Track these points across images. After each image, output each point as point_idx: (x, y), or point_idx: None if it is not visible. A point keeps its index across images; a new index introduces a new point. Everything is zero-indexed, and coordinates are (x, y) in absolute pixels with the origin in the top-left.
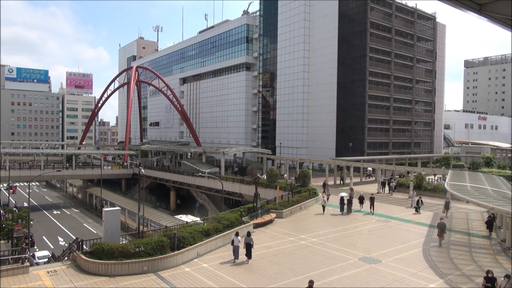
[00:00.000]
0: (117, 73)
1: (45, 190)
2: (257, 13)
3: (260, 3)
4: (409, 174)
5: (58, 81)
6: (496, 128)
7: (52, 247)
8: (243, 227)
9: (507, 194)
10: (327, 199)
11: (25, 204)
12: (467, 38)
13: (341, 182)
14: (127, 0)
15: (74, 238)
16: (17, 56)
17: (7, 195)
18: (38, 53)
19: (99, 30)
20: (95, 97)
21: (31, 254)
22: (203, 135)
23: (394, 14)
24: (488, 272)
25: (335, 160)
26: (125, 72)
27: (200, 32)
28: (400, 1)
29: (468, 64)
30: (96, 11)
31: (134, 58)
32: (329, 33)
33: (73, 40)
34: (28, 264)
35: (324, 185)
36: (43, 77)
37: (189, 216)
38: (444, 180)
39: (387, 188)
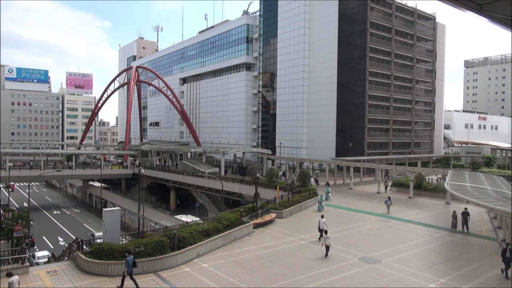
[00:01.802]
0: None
1: (45, 190)
2: (257, 13)
3: (260, 3)
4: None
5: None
6: (496, 128)
7: (52, 247)
8: (243, 227)
9: (507, 194)
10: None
11: (25, 204)
12: (467, 38)
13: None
14: (127, 0)
15: (74, 238)
16: (40, 57)
17: (7, 194)
18: (61, 54)
19: (115, 29)
20: (95, 97)
21: (31, 254)
22: (203, 135)
23: (394, 14)
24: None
25: (335, 160)
26: (125, 72)
27: (200, 32)
28: (400, 1)
29: (468, 64)
30: (100, 10)
31: (134, 58)
32: (329, 33)
33: (93, 40)
34: (28, 264)
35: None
36: (43, 77)
37: (189, 216)
38: (444, 180)
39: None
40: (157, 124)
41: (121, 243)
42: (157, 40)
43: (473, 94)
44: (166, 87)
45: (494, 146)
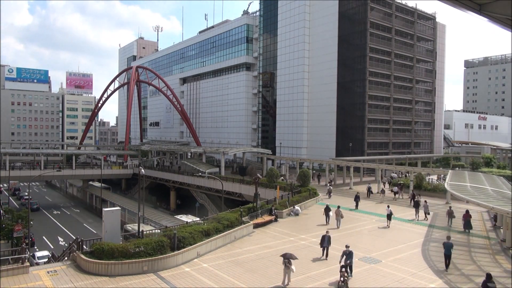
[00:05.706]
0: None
1: (45, 190)
2: (257, 13)
3: (260, 3)
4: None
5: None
6: (496, 128)
7: (52, 247)
8: (243, 227)
9: (507, 194)
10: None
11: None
12: (467, 38)
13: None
14: (127, 0)
15: (74, 238)
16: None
17: (7, 195)
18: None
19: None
20: (95, 97)
21: (31, 254)
22: (203, 135)
23: (394, 14)
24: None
25: (335, 160)
26: (125, 72)
27: (200, 32)
28: (400, 1)
29: (468, 64)
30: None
31: (134, 58)
32: (329, 33)
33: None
34: (28, 264)
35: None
36: (43, 77)
37: (189, 216)
38: (444, 180)
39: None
40: (157, 124)
41: (121, 243)
42: (157, 40)
43: (473, 94)
44: (166, 87)
45: (494, 146)
